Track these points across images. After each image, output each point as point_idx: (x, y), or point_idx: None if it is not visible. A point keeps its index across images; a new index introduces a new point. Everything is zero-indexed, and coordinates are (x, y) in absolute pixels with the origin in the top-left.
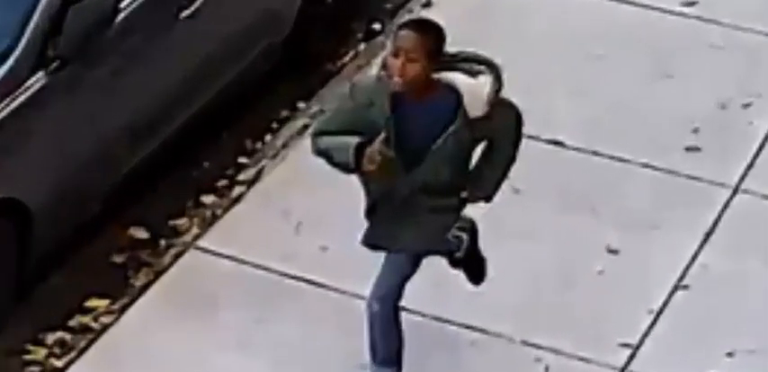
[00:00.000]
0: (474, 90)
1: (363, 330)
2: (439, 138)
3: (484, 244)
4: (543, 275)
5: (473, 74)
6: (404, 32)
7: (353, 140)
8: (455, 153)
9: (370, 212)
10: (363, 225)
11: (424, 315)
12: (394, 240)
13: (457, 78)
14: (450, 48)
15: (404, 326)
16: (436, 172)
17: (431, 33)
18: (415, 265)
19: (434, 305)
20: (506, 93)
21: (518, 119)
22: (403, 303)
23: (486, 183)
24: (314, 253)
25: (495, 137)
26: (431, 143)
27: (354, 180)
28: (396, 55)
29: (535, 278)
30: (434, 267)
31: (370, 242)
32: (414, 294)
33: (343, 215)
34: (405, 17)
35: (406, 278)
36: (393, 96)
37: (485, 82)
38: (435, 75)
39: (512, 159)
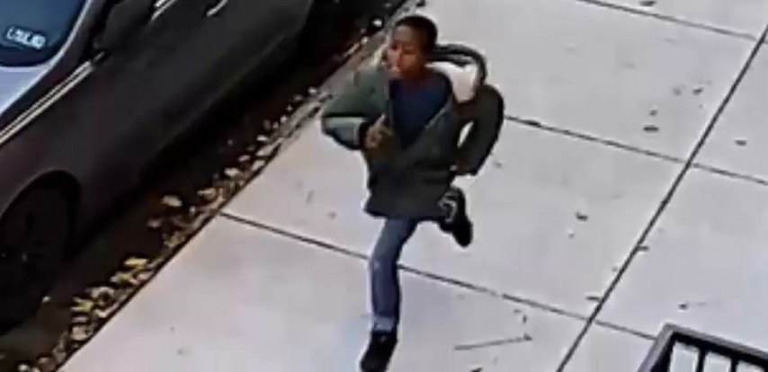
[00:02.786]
0: (462, 78)
1: (366, 285)
2: (431, 120)
3: (470, 211)
4: (521, 238)
5: (461, 64)
6: (401, 28)
7: (358, 121)
8: (445, 132)
9: (372, 183)
10: (366, 194)
11: (418, 273)
12: (393, 207)
13: (447, 68)
14: (441, 41)
15: (401, 282)
16: (429, 148)
17: (425, 29)
18: (410, 229)
19: (427, 264)
20: (490, 80)
21: (500, 103)
22: (400, 262)
23: (472, 158)
24: (323, 219)
25: (480, 118)
26: (424, 123)
27: (358, 155)
28: (394, 47)
29: (515, 240)
30: (427, 231)
31: (372, 209)
32: (409, 254)
33: (349, 186)
34: (402, 15)
35: (403, 240)
36: (392, 83)
37: (471, 71)
38: (428, 65)
39: (494, 138)
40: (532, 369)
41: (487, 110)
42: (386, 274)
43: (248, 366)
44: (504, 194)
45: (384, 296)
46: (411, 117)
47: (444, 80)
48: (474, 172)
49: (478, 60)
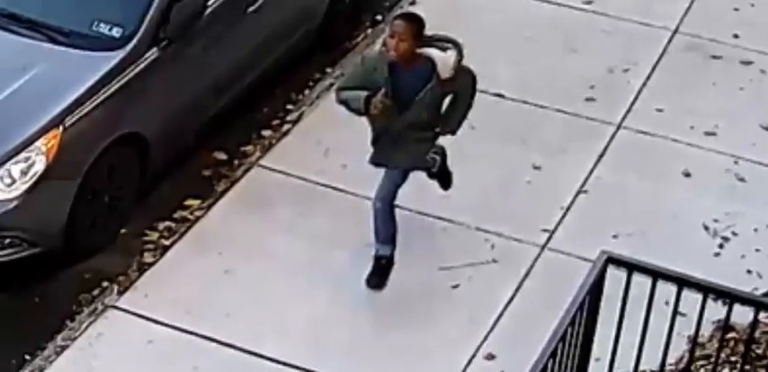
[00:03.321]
0: (444, 60)
1: (370, 220)
2: (421, 92)
3: (451, 163)
4: (490, 184)
5: (443, 49)
6: (397, 21)
7: (363, 93)
8: (431, 102)
9: (375, 141)
10: (370, 150)
11: (410, 210)
12: (391, 160)
13: (432, 52)
14: (428, 31)
15: (397, 217)
16: (419, 114)
17: (416, 22)
18: (404, 177)
19: (417, 204)
20: (466, 62)
21: (474, 79)
22: (396, 202)
23: (452, 122)
24: (337, 169)
25: (459, 91)
26: (415, 95)
27: (364, 120)
28: (392, 36)
29: (485, 185)
30: (417, 178)
31: (375, 161)
32: (403, 196)
33: (357, 143)
34: (398, 11)
35: (399, 185)
36: (390, 64)
37: (451, 54)
38: (418, 50)
39: (469, 106)
40: (498, 286)
41: (464, 85)
42: (385, 211)
43: (278, 282)
44: (476, 150)
45: (384, 228)
46: (405, 90)
47: (430, 62)
48: (453, 132)
49: (457, 46)
